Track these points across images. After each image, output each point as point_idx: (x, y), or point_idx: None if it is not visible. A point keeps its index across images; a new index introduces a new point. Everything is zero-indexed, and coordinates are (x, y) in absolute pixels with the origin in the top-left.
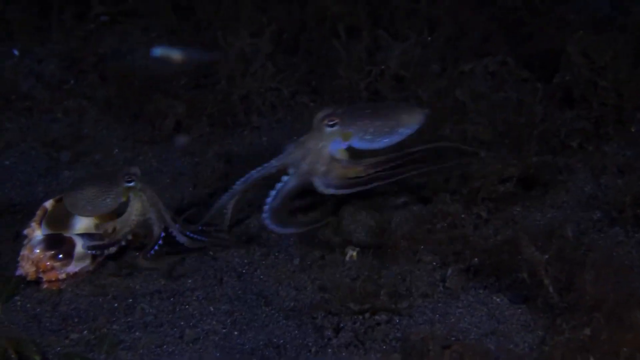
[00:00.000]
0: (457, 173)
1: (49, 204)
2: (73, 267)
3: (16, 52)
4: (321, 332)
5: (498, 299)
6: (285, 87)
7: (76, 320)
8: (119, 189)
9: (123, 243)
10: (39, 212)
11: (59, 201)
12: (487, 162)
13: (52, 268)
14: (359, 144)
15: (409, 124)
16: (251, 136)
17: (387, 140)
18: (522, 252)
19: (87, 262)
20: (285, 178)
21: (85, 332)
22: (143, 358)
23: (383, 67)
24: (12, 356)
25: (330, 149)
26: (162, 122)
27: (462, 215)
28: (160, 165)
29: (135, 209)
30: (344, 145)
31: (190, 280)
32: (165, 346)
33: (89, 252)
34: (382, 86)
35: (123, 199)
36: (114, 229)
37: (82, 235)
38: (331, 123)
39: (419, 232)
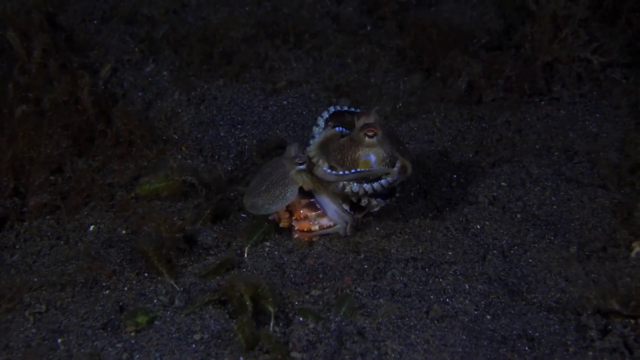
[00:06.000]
0: None
1: None
2: (327, 221)
3: None
4: (584, 332)
5: None
6: (596, 58)
7: (321, 276)
8: (291, 176)
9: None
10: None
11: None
12: None
13: (306, 218)
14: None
15: None
16: (548, 107)
17: (368, 187)
18: None
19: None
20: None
21: (327, 289)
22: (380, 327)
23: None
24: (247, 303)
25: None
26: (454, 81)
27: None
28: (443, 126)
29: None
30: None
31: (450, 253)
32: (407, 319)
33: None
34: None
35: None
36: None
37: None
38: (370, 134)
39: None
